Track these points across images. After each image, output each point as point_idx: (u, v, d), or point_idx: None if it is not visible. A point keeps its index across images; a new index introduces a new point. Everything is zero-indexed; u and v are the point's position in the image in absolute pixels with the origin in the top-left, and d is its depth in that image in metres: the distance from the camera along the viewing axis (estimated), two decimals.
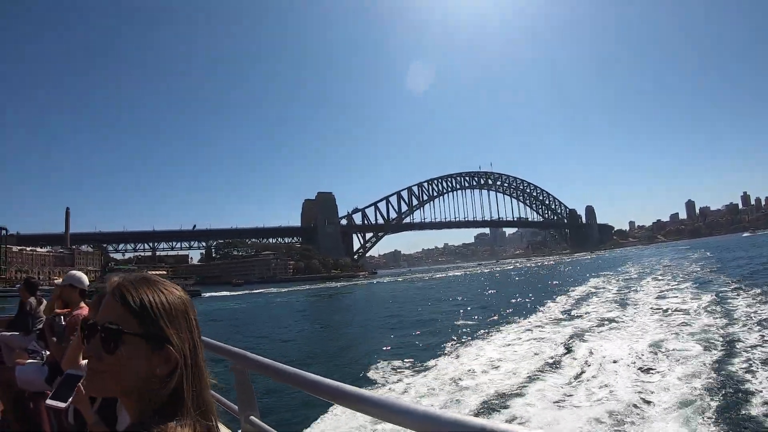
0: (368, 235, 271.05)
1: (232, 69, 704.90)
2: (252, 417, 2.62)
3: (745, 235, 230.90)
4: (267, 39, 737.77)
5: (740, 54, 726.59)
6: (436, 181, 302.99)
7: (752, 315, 20.22)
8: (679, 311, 23.22)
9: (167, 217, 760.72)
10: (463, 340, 21.73)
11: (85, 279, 4.42)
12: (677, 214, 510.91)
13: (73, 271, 4.40)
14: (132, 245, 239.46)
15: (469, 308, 36.14)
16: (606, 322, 22.65)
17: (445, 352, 19.57)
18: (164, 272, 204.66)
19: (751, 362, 13.16)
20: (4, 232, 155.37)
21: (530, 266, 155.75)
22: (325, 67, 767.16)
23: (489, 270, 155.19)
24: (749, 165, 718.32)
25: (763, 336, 16.07)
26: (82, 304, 4.27)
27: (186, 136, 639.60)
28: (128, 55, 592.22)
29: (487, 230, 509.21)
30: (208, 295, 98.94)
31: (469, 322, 27.92)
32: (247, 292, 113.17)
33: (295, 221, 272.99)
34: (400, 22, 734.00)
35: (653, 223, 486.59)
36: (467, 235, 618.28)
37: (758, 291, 26.57)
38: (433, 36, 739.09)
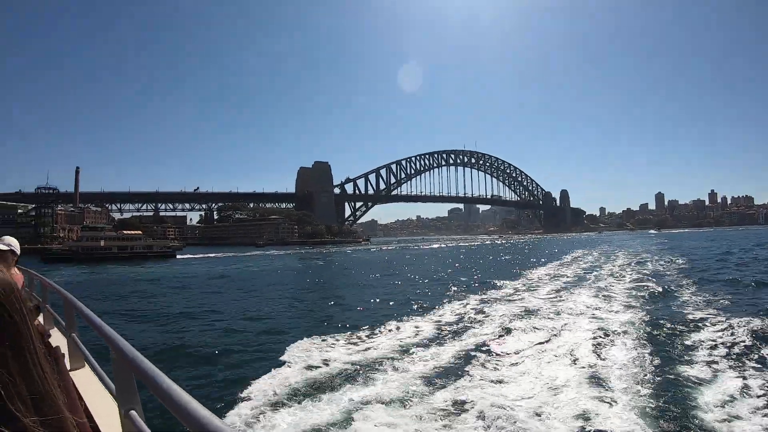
0: (357, 204, 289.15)
1: (242, 39, 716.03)
2: (132, 412, 2.33)
3: (651, 232, 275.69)
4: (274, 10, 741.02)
5: (722, 60, 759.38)
6: (423, 157, 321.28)
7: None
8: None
9: (169, 181, 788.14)
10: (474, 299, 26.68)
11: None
12: (647, 204, 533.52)
13: (8, 237, 4.32)
14: (136, 205, 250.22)
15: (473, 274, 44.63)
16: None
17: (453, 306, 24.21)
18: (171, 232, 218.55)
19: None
20: (52, 191, 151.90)
21: (526, 240, 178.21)
22: (331, 38, 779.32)
23: (488, 243, 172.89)
24: (719, 164, 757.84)
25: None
26: (15, 270, 4.45)
27: (192, 98, 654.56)
28: (140, 22, 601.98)
29: (460, 205, 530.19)
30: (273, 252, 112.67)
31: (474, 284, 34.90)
32: (287, 251, 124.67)
33: (284, 186, 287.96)
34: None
35: (623, 211, 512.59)
36: (441, 209, 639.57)
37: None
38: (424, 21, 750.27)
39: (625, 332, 16.46)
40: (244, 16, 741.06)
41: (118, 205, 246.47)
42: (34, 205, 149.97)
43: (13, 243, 4.27)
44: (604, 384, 11.31)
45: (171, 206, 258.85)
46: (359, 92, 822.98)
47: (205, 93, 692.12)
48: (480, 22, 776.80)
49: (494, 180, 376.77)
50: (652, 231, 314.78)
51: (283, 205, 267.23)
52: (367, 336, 17.75)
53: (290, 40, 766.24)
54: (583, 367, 12.66)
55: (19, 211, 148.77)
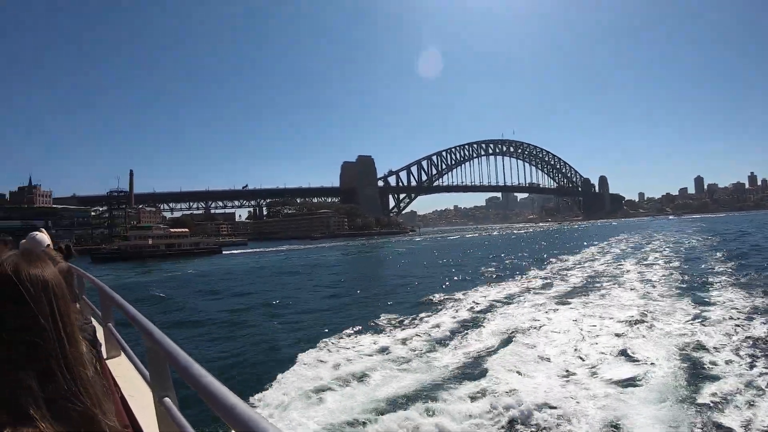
0: (401, 196, 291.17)
1: (282, 37, 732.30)
2: (166, 399, 2.34)
3: (671, 217, 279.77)
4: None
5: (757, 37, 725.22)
6: (463, 147, 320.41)
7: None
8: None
9: (216, 180, 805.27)
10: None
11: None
12: (686, 188, 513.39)
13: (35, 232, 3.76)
14: (187, 204, 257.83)
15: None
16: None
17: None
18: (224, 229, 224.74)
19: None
20: (123, 194, 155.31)
21: (574, 227, 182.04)
22: (369, 34, 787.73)
23: (538, 230, 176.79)
24: (759, 146, 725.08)
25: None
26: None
27: (231, 99, 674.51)
28: (181, 20, 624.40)
29: (498, 194, 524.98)
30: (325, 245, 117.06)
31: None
32: (342, 243, 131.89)
33: (327, 181, 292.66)
34: None
35: (662, 195, 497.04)
36: (479, 198, 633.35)
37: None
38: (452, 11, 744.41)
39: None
40: (272, 18, 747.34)
41: (170, 205, 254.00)
42: (105, 208, 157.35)
43: (39, 238, 3.58)
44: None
45: (221, 203, 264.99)
46: (391, 85, 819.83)
47: (243, 95, 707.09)
48: (508, 3, 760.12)
49: (532, 168, 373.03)
50: (671, 216, 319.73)
51: (329, 200, 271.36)
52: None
53: (324, 38, 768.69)
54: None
55: (93, 213, 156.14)
